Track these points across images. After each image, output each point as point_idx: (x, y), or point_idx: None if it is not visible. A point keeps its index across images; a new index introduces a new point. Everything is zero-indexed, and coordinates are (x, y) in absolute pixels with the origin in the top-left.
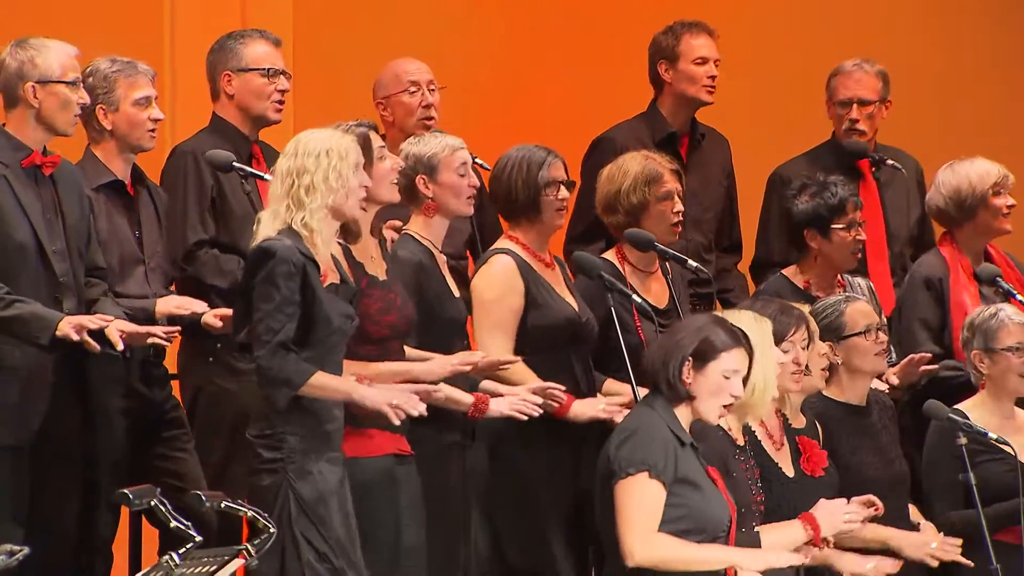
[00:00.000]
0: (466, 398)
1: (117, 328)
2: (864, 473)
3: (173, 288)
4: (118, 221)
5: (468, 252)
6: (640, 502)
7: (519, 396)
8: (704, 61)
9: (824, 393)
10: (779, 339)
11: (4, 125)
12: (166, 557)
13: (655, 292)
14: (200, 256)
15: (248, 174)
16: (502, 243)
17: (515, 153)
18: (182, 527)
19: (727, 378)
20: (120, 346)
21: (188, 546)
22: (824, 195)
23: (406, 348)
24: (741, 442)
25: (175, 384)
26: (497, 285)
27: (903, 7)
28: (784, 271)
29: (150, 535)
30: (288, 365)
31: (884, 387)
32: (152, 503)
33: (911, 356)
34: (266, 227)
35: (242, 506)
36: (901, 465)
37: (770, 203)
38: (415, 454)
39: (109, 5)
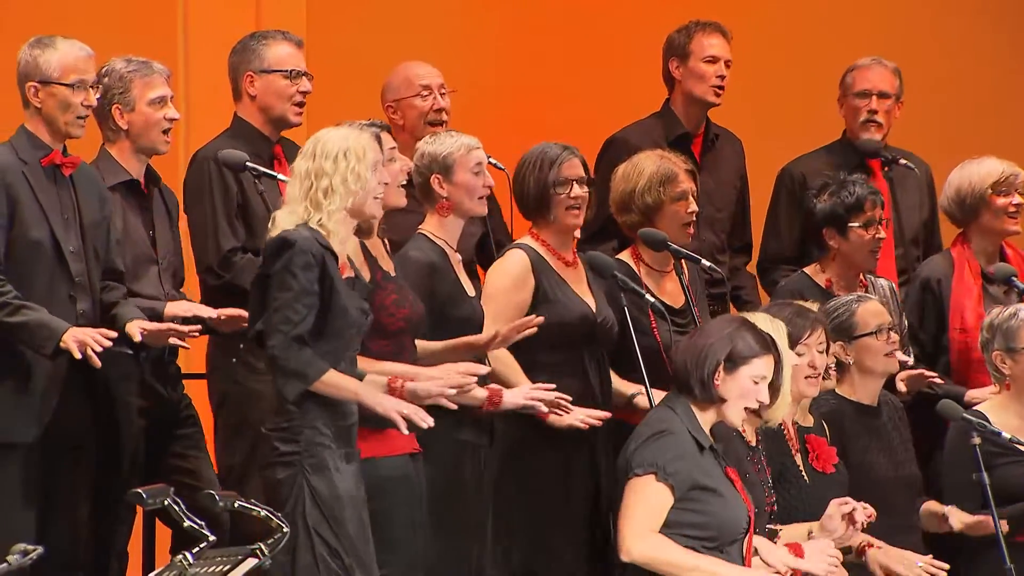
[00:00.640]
0: (479, 392)
1: (139, 326)
2: (873, 473)
3: (183, 290)
4: (132, 221)
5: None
6: (643, 501)
7: (531, 385)
8: (714, 60)
9: (837, 391)
10: (794, 342)
11: (25, 123)
12: (179, 556)
13: (670, 292)
14: (236, 262)
15: (261, 174)
16: (523, 239)
17: (534, 151)
18: (196, 527)
19: (756, 383)
20: (138, 337)
21: (202, 545)
22: (842, 194)
23: (418, 342)
24: (754, 443)
25: (202, 384)
26: (506, 277)
27: (914, 7)
28: (806, 269)
29: (163, 535)
30: (303, 358)
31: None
32: (166, 502)
33: (921, 372)
34: (282, 224)
35: (256, 506)
36: (912, 467)
37: (778, 199)
38: (430, 453)
39: (124, 5)
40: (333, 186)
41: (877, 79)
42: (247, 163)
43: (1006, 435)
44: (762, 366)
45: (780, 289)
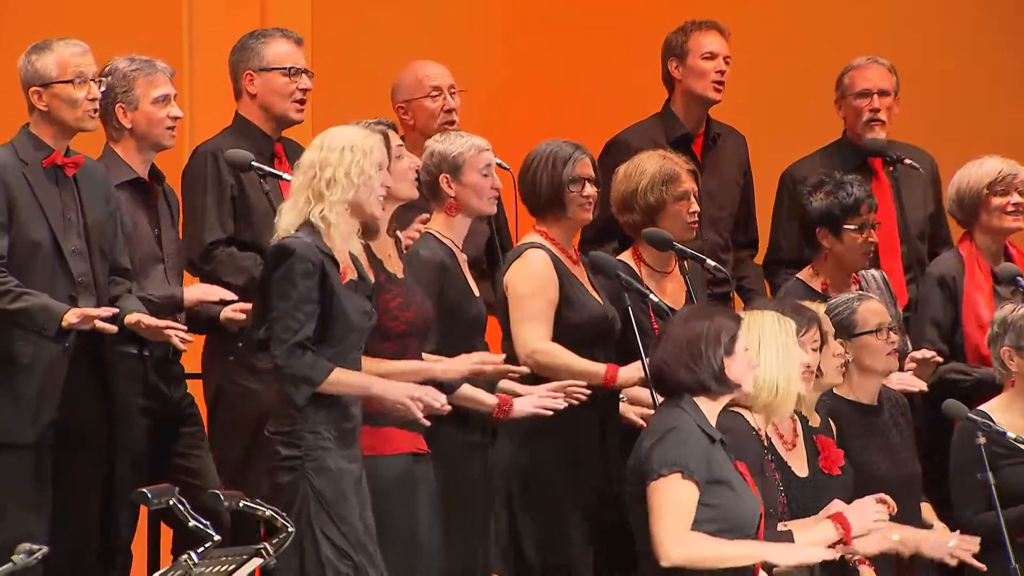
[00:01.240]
0: (490, 399)
1: (139, 319)
2: (873, 472)
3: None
4: (138, 219)
5: (486, 254)
6: (673, 502)
7: (540, 393)
8: (712, 57)
9: (835, 391)
10: None
11: (28, 125)
12: (184, 556)
13: (671, 292)
14: (216, 255)
15: (267, 174)
16: (531, 237)
17: (543, 148)
18: (200, 526)
19: (747, 350)
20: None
21: (206, 545)
22: (839, 194)
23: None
24: (767, 442)
25: (196, 383)
26: (534, 278)
27: (913, 6)
28: (799, 274)
29: (167, 534)
30: (306, 363)
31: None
32: (171, 502)
33: (912, 354)
34: (286, 218)
35: (260, 505)
36: (913, 465)
37: (781, 202)
38: (436, 453)
39: (128, 4)
40: (336, 177)
41: (876, 77)
42: (252, 163)
43: (1011, 435)
44: (743, 335)
45: (777, 297)
